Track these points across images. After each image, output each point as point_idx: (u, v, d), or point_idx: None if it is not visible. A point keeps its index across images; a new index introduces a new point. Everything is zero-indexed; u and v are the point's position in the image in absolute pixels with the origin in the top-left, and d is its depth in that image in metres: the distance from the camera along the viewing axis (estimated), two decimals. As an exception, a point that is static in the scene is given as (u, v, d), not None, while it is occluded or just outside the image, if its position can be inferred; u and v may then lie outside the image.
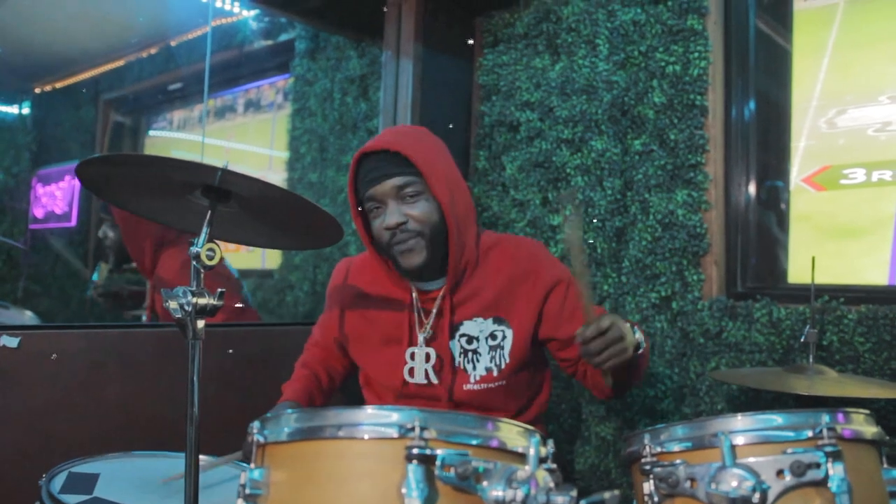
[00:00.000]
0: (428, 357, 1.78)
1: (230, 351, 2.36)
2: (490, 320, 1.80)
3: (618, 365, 1.58)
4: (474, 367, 1.79)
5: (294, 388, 1.88)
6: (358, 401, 2.11)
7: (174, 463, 1.68)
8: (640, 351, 1.68)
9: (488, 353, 1.80)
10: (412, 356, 1.79)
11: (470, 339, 1.80)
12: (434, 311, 1.80)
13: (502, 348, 1.79)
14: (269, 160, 3.84)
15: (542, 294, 1.81)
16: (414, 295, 1.82)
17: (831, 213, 2.22)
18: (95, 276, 3.35)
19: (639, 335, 1.68)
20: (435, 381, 1.78)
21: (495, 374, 1.79)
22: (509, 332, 1.80)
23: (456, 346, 1.80)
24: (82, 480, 1.53)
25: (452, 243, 1.74)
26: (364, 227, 1.82)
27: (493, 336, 1.80)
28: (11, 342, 1.92)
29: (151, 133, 4.48)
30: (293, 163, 3.55)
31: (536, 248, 1.88)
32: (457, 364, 1.80)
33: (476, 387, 1.79)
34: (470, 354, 1.80)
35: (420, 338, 1.79)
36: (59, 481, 1.50)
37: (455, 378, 1.80)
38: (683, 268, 2.33)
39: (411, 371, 1.79)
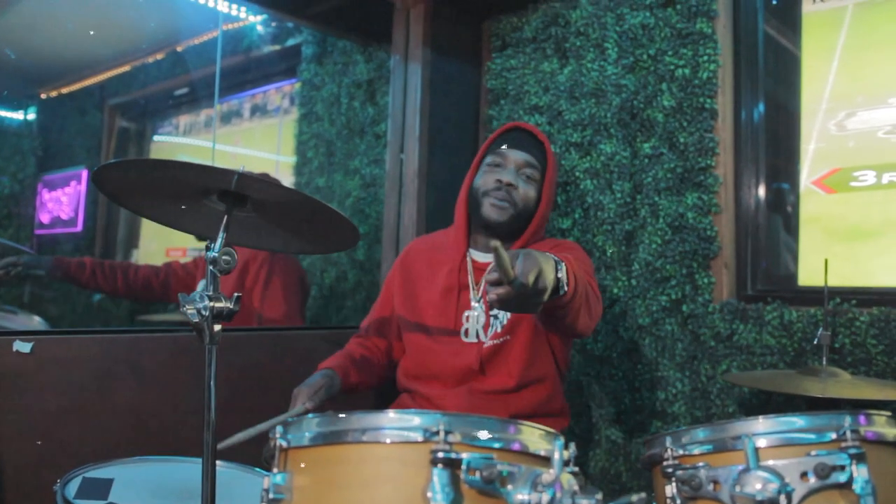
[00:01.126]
0: (478, 319, 1.98)
1: (239, 362, 2.36)
2: None
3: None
4: (492, 328, 1.97)
5: (328, 362, 1.99)
6: (389, 399, 2.18)
7: (189, 468, 1.68)
8: (561, 294, 1.51)
9: (502, 316, 1.98)
10: (467, 318, 2.00)
11: (498, 312, 1.98)
12: (483, 279, 1.97)
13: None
14: (276, 165, 3.84)
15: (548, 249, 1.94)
16: (469, 262, 2.04)
17: (841, 216, 2.22)
18: None
19: (564, 276, 1.51)
20: (483, 339, 1.96)
21: (498, 330, 1.95)
22: None
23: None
24: (97, 486, 1.52)
25: (532, 227, 2.00)
26: (470, 180, 2.06)
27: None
28: (24, 347, 1.91)
29: (157, 138, 4.48)
30: (300, 167, 3.54)
31: (569, 241, 2.11)
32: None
33: (490, 342, 1.95)
34: (492, 319, 1.98)
35: (473, 302, 2.00)
36: (73, 486, 1.49)
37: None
38: (694, 271, 2.32)
39: (466, 332, 1.99)
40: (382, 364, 2.11)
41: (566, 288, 1.50)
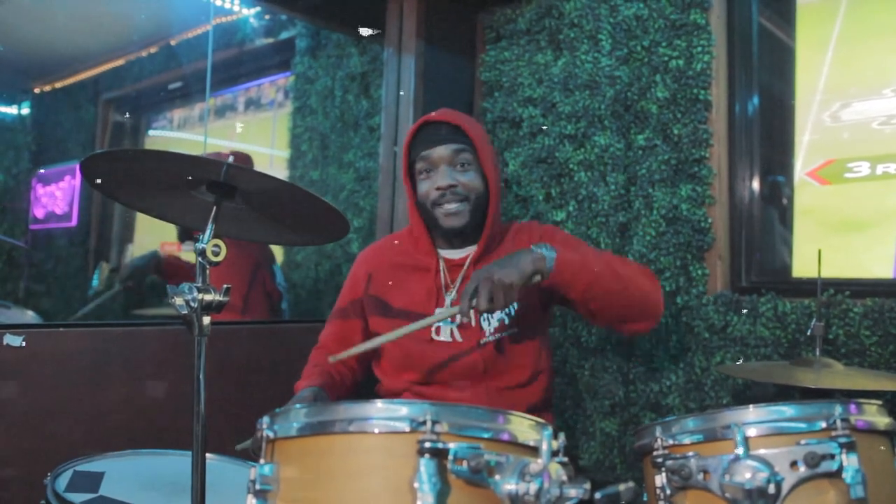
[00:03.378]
0: (453, 317, 1.84)
1: (231, 356, 2.35)
2: None
3: (503, 299, 1.61)
4: (489, 323, 1.89)
5: (307, 381, 1.89)
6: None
7: (179, 461, 1.67)
8: (549, 265, 1.67)
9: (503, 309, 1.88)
10: None
11: None
12: (461, 276, 1.92)
13: (514, 303, 1.85)
14: (270, 159, 3.83)
15: (537, 238, 1.92)
16: (441, 263, 1.94)
17: (836, 207, 2.21)
18: (96, 277, 3.34)
19: (543, 251, 1.68)
20: (459, 339, 1.88)
21: (507, 321, 1.88)
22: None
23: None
24: (87, 479, 1.51)
25: (491, 213, 1.90)
26: (411, 191, 1.96)
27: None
28: (15, 341, 1.91)
29: (152, 133, 4.47)
30: (294, 161, 3.54)
31: (552, 227, 2.04)
32: (473, 323, 1.89)
33: (492, 337, 1.87)
34: (485, 313, 1.89)
35: (447, 300, 1.90)
36: (64, 480, 1.48)
37: (478, 334, 1.88)
38: (688, 263, 2.32)
39: (437, 330, 1.90)
40: (349, 380, 2.01)
41: (550, 263, 1.65)
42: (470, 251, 1.94)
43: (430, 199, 1.88)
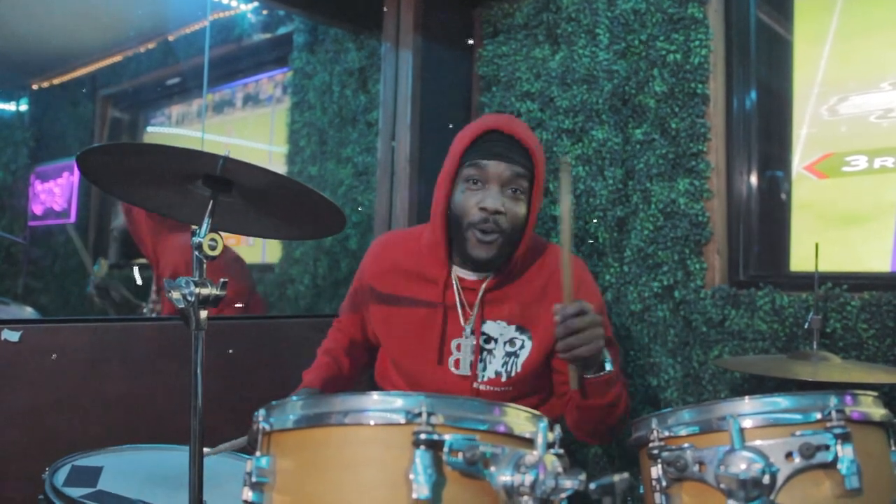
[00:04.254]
0: (471, 350, 1.76)
1: (230, 351, 2.35)
2: (513, 327, 1.79)
3: (587, 357, 1.50)
4: (484, 368, 1.77)
5: (313, 376, 1.87)
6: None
7: (178, 455, 1.67)
8: (604, 373, 1.57)
9: (502, 357, 1.78)
10: (458, 347, 1.78)
11: (488, 339, 1.79)
12: (477, 303, 1.78)
13: (517, 356, 1.77)
14: (269, 154, 3.83)
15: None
16: (455, 280, 1.80)
17: (833, 201, 2.21)
18: (96, 270, 3.34)
19: (608, 363, 1.58)
20: (466, 373, 1.76)
21: (503, 379, 1.77)
22: (528, 344, 1.78)
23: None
24: (86, 473, 1.52)
25: (523, 244, 1.74)
26: (447, 194, 1.75)
27: (511, 342, 1.78)
28: (12, 336, 1.91)
29: (150, 129, 4.47)
30: (293, 156, 3.53)
31: (577, 268, 1.84)
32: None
33: (482, 387, 1.77)
34: (484, 354, 1.78)
35: (467, 329, 1.77)
36: (62, 474, 1.49)
37: (471, 377, 1.78)
38: (686, 257, 2.32)
39: (457, 363, 1.77)
40: (361, 359, 2.00)
41: (609, 368, 1.57)
42: (486, 275, 1.79)
43: (468, 217, 1.70)
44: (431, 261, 1.82)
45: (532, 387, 1.83)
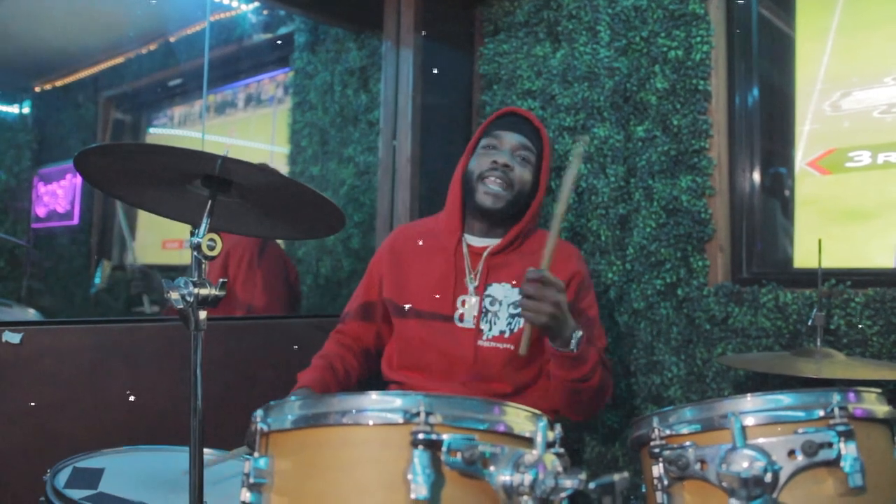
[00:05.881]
0: (475, 306, 1.92)
1: (239, 344, 2.34)
2: (517, 290, 1.89)
3: (535, 323, 1.61)
4: (490, 328, 1.90)
5: (309, 376, 1.92)
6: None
7: (179, 457, 1.67)
8: (567, 350, 1.68)
9: (506, 318, 1.91)
10: (462, 303, 1.93)
11: (493, 301, 1.93)
12: (480, 265, 1.96)
13: (521, 317, 1.83)
14: (271, 155, 3.83)
15: (565, 280, 1.85)
16: (465, 246, 1.99)
17: (837, 197, 2.20)
18: (98, 275, 3.34)
19: (575, 342, 1.68)
20: (484, 330, 1.90)
21: (507, 336, 1.88)
22: None
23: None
24: (87, 475, 1.52)
25: (529, 213, 1.97)
26: (464, 164, 2.03)
27: (515, 305, 1.90)
28: (14, 338, 1.91)
29: (152, 130, 4.47)
30: (294, 156, 3.53)
31: (572, 247, 2.09)
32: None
33: (487, 344, 1.89)
34: (489, 315, 1.91)
35: (470, 287, 1.94)
36: (63, 476, 1.49)
37: (476, 334, 1.90)
38: (688, 254, 2.31)
39: (461, 316, 1.92)
40: (362, 359, 2.06)
41: (574, 348, 1.66)
42: (492, 242, 1.98)
43: (479, 170, 1.95)
44: (445, 230, 2.02)
45: (533, 352, 1.86)
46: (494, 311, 1.92)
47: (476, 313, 1.91)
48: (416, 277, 2.00)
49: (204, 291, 1.29)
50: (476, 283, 1.95)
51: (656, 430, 1.23)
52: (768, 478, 1.09)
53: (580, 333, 1.68)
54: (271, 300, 2.78)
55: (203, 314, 1.31)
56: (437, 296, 1.95)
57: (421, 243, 2.05)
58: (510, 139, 1.97)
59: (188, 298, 1.29)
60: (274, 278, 2.82)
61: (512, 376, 1.90)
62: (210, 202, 1.34)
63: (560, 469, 1.01)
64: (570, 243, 2.14)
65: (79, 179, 4.00)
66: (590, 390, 1.77)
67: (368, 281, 2.11)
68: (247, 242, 2.73)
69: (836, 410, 1.13)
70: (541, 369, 1.93)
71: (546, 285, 1.59)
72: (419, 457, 0.98)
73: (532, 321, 1.61)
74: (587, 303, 1.97)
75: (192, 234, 1.32)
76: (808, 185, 2.26)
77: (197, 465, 1.26)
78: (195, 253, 1.31)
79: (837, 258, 2.14)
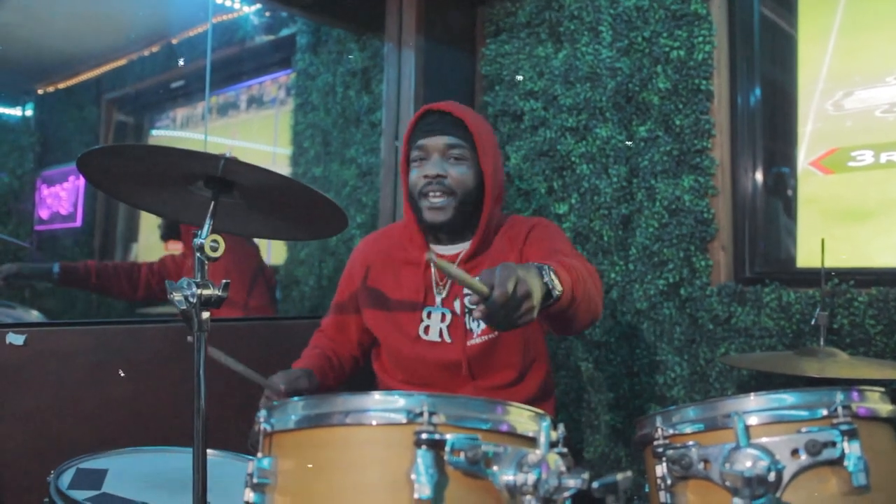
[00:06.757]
0: (444, 317, 1.84)
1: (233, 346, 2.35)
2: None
3: (528, 322, 1.36)
4: (479, 325, 1.84)
5: (304, 362, 1.91)
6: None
7: (183, 458, 1.67)
8: (553, 299, 1.41)
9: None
10: (428, 315, 1.86)
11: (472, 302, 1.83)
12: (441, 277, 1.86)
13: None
14: (273, 156, 3.83)
15: (523, 238, 1.87)
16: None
17: (839, 196, 2.20)
18: None
19: (551, 280, 1.40)
20: (448, 339, 1.84)
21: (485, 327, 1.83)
22: None
23: (460, 306, 1.86)
24: (90, 476, 1.52)
25: (486, 212, 1.84)
26: (406, 180, 1.91)
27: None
28: (17, 339, 1.91)
29: (154, 132, 4.47)
30: (297, 158, 3.54)
31: (538, 219, 1.96)
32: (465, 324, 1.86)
33: (478, 340, 1.83)
34: (467, 318, 1.86)
35: (437, 299, 1.86)
36: (67, 477, 1.49)
37: (464, 336, 1.85)
38: (691, 254, 2.31)
39: (426, 329, 1.86)
40: (349, 365, 2.02)
41: (558, 291, 1.40)
42: (462, 248, 1.89)
43: (417, 189, 1.84)
44: (412, 244, 1.92)
45: (519, 332, 1.80)
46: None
47: (446, 326, 1.84)
48: (391, 294, 1.92)
49: (207, 292, 1.30)
50: (444, 295, 1.86)
51: (659, 430, 1.23)
52: (772, 477, 1.09)
53: (554, 277, 1.41)
54: (249, 299, 2.79)
55: (206, 315, 1.31)
56: (412, 310, 1.87)
57: (390, 258, 1.96)
58: (434, 143, 1.82)
59: (191, 300, 1.29)
60: (240, 274, 2.84)
61: (510, 360, 1.85)
62: (213, 203, 1.34)
63: (563, 468, 1.01)
64: (531, 218, 1.99)
65: (81, 181, 4.00)
66: (587, 297, 1.54)
67: (343, 297, 2.03)
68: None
69: (840, 409, 1.13)
70: (533, 341, 1.89)
71: (491, 303, 1.28)
72: (422, 457, 0.97)
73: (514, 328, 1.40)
74: (548, 242, 1.83)
75: (195, 235, 1.32)
76: (810, 185, 2.25)
77: (201, 466, 1.26)
78: (198, 254, 1.31)
79: (840, 258, 2.14)
